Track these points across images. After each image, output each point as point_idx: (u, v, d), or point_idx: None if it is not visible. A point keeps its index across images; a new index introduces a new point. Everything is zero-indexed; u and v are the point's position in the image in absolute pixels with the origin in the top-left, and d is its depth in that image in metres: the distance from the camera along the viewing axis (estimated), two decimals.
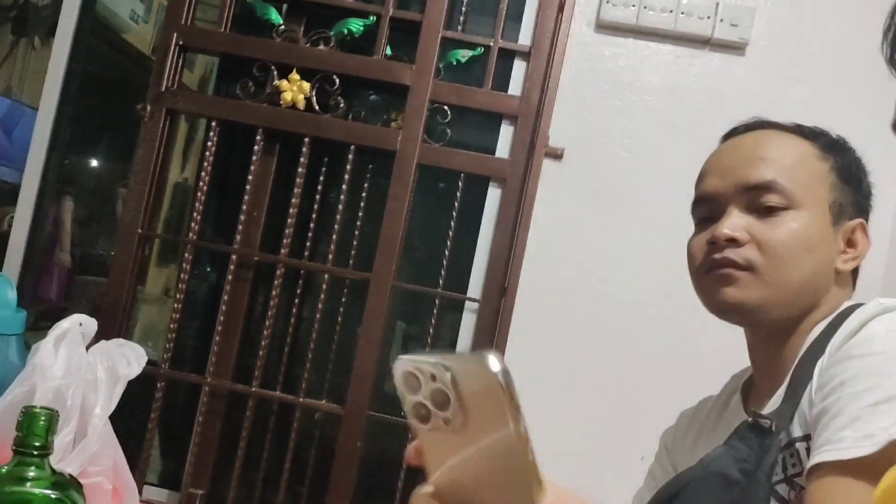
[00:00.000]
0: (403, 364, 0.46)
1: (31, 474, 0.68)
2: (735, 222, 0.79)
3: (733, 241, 0.78)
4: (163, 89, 1.70)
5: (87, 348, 0.94)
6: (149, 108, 1.70)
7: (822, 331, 0.77)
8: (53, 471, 0.70)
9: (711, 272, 0.80)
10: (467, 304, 1.73)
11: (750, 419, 0.74)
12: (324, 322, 1.74)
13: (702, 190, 0.85)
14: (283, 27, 1.75)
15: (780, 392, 0.76)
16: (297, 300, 1.79)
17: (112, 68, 3.87)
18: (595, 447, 1.64)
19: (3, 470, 0.68)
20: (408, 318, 1.92)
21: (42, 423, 0.68)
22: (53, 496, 0.69)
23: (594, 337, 1.67)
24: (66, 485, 0.70)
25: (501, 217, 1.70)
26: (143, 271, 1.90)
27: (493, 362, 0.43)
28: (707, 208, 0.84)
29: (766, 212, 0.79)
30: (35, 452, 0.68)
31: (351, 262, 1.76)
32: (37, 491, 0.68)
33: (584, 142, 1.70)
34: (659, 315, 1.64)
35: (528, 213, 1.67)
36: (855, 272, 0.85)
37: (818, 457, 0.63)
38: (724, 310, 0.81)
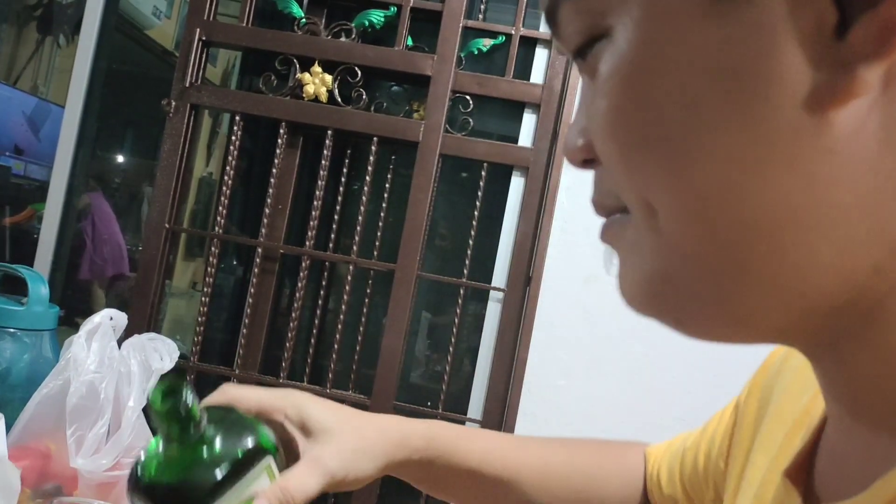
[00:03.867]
0: None
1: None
2: None
3: None
4: (187, 85, 1.72)
5: (119, 342, 0.96)
6: (173, 103, 1.72)
7: None
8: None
9: None
10: (492, 293, 1.74)
11: None
12: (349, 313, 1.75)
13: None
14: (304, 20, 1.76)
15: None
16: (322, 292, 1.80)
17: (136, 64, 3.91)
18: (622, 435, 1.64)
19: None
20: (433, 308, 1.92)
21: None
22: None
23: (621, 324, 1.67)
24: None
25: (525, 206, 1.69)
26: (170, 265, 1.93)
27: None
28: None
29: None
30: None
31: (375, 253, 1.76)
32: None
33: None
34: None
35: (551, 201, 1.66)
36: None
37: None
38: None
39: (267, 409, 0.55)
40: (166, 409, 0.48)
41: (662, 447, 0.64)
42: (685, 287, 0.30)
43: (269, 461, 0.51)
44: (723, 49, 0.26)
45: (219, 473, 0.48)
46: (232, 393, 0.55)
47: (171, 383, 0.48)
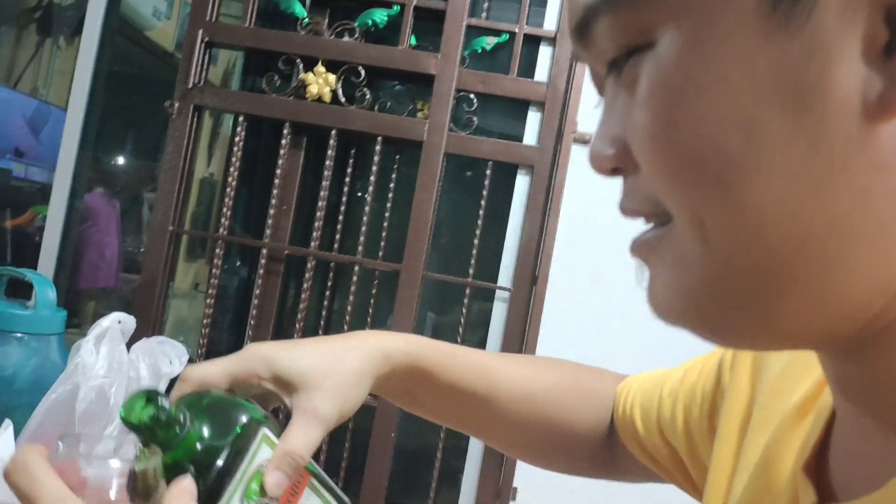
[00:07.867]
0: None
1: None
2: None
3: None
4: (189, 86, 1.71)
5: (128, 345, 0.95)
6: (176, 105, 1.71)
7: None
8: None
9: None
10: (498, 293, 1.73)
11: None
12: (355, 314, 1.74)
13: None
14: (307, 20, 1.75)
15: None
16: (327, 292, 1.80)
17: (136, 65, 3.91)
18: None
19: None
20: (438, 308, 1.92)
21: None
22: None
23: (628, 323, 1.66)
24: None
25: (530, 204, 1.68)
26: (173, 267, 1.92)
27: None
28: None
29: None
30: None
31: (380, 253, 1.76)
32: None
33: None
34: None
35: (557, 199, 1.66)
36: None
37: None
38: None
39: (238, 378, 0.54)
40: (147, 421, 0.46)
41: (635, 386, 0.65)
42: (728, 299, 0.30)
43: (263, 431, 0.50)
44: (779, 66, 0.26)
45: (220, 462, 0.48)
46: (197, 377, 0.53)
47: (144, 393, 0.47)
